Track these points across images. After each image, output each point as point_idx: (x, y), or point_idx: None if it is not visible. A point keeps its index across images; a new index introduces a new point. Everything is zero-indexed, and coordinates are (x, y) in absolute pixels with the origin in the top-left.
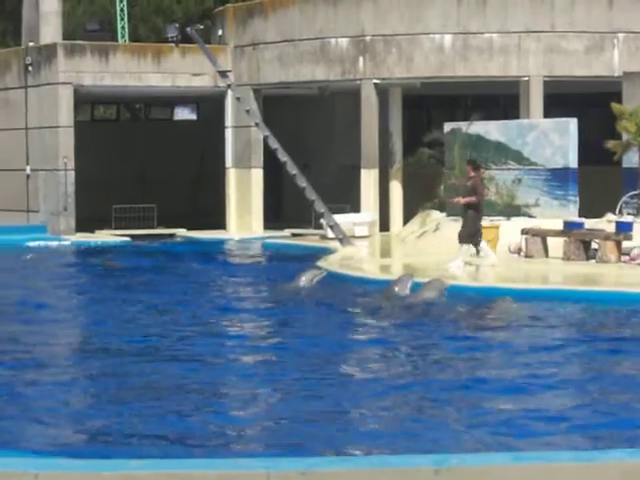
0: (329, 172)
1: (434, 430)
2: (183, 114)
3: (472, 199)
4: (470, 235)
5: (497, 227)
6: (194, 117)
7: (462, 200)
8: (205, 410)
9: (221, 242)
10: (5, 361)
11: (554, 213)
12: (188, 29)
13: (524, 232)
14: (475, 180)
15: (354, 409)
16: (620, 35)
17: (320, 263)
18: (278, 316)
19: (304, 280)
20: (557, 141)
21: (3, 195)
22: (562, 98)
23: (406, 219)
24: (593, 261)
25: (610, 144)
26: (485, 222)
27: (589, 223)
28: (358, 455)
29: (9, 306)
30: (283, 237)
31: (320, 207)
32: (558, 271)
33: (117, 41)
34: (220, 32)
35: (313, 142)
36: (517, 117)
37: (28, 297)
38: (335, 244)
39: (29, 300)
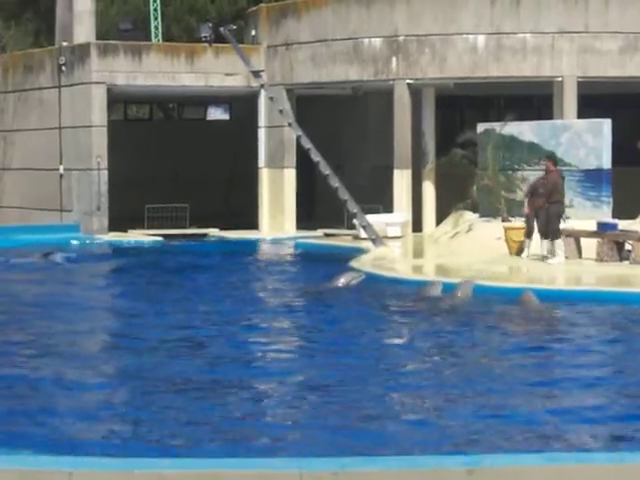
0: (362, 172)
1: (474, 432)
2: (216, 114)
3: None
4: (558, 229)
5: None
6: (227, 117)
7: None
8: (239, 409)
9: (254, 242)
10: (46, 357)
11: (587, 214)
12: (222, 29)
13: None
14: (553, 175)
15: (392, 410)
16: None
17: (353, 263)
18: (313, 316)
19: (342, 282)
20: (591, 142)
21: (37, 194)
22: (596, 99)
23: (439, 220)
24: (626, 262)
25: None
26: (518, 222)
27: (623, 224)
28: (390, 455)
29: (50, 305)
30: (316, 237)
31: (353, 207)
32: (591, 272)
33: (150, 41)
34: (253, 32)
35: (346, 142)
36: (551, 118)
37: (64, 296)
38: (368, 244)
39: (66, 300)
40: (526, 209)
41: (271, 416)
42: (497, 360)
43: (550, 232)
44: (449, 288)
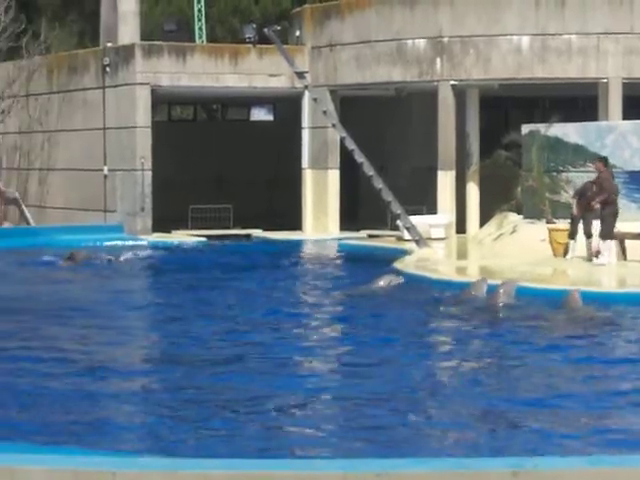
0: (405, 174)
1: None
2: (260, 115)
3: (603, 197)
4: (610, 231)
5: None
6: (271, 118)
7: (595, 204)
8: (283, 410)
9: (297, 243)
10: (93, 357)
11: (632, 216)
12: (266, 30)
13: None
14: (603, 176)
15: (439, 414)
16: None
17: (396, 265)
18: (356, 317)
19: (382, 284)
20: (635, 143)
21: (81, 195)
22: None
23: (482, 221)
24: None
25: None
26: (562, 224)
27: None
28: (435, 457)
29: (97, 305)
30: (359, 238)
31: (396, 208)
32: (636, 274)
33: (194, 42)
34: (297, 33)
35: (389, 143)
36: (595, 119)
37: (111, 297)
38: (411, 246)
39: (114, 299)
40: (574, 210)
41: (315, 419)
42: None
43: (602, 232)
44: (492, 289)
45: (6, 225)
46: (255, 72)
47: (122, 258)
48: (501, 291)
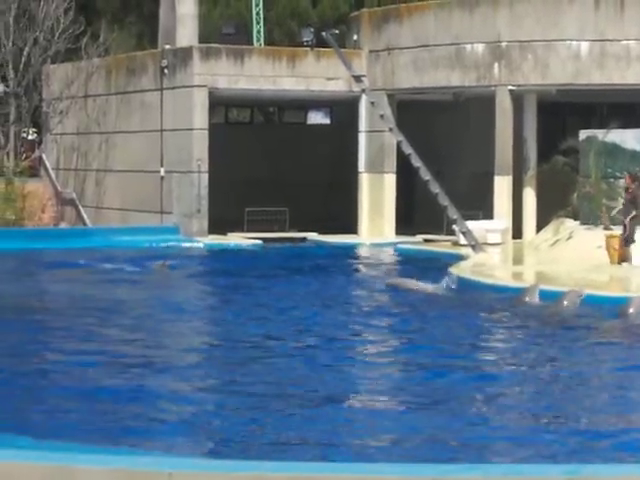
0: (462, 178)
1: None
2: (316, 118)
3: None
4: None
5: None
6: (327, 121)
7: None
8: (341, 413)
9: (353, 246)
10: (155, 356)
11: None
12: (324, 33)
13: None
14: (635, 191)
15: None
16: None
17: (452, 269)
18: (417, 325)
19: (431, 288)
20: None
21: (138, 196)
22: None
23: (539, 227)
24: None
25: None
26: (619, 230)
27: None
28: (491, 462)
29: (159, 307)
30: (415, 242)
31: (453, 213)
32: None
33: (252, 44)
34: (355, 37)
35: (446, 148)
36: None
37: (171, 299)
38: (467, 251)
39: (169, 300)
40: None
41: (373, 423)
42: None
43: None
44: (550, 296)
45: (63, 225)
46: (312, 75)
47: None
48: (565, 299)
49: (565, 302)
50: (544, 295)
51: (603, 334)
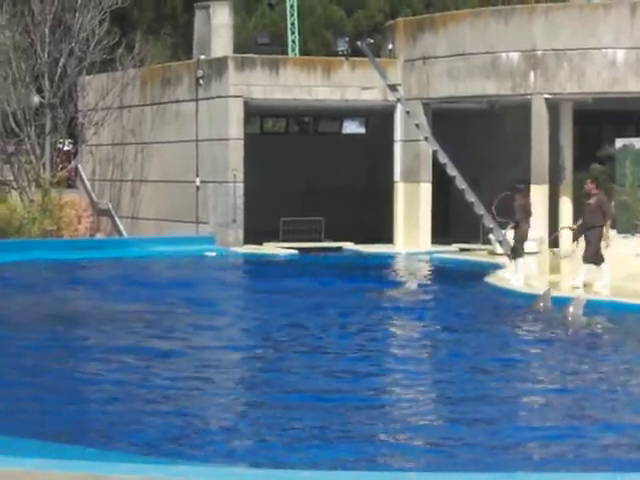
0: (498, 187)
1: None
2: (352, 127)
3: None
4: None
5: None
6: (363, 131)
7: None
8: (385, 422)
9: (389, 256)
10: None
11: None
12: (359, 43)
13: None
14: (599, 197)
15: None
16: None
17: (488, 279)
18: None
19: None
20: None
21: (174, 206)
22: None
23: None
24: None
25: None
26: None
27: None
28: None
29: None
30: (451, 252)
31: (489, 222)
32: None
33: (287, 54)
34: (390, 46)
35: (482, 157)
36: None
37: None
38: (504, 260)
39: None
40: None
41: (414, 434)
42: None
43: (583, 257)
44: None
45: (99, 236)
46: (347, 85)
47: None
48: (570, 306)
49: (571, 309)
50: (556, 302)
51: None
